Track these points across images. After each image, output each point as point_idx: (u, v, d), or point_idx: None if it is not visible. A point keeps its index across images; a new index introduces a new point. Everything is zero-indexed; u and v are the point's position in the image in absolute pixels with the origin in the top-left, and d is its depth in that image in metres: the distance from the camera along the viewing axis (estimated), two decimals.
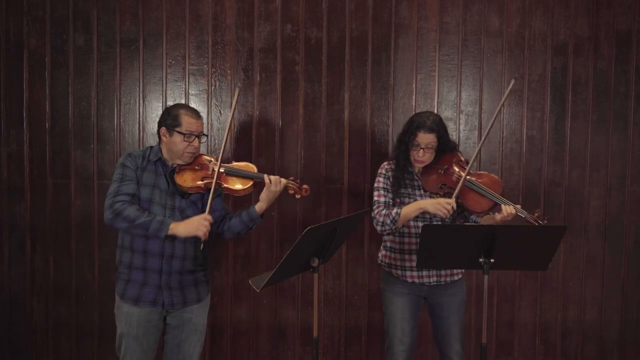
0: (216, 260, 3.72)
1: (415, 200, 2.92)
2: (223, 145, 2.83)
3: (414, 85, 3.68)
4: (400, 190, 2.94)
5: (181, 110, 2.77)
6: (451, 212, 2.77)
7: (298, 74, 3.66)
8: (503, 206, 2.79)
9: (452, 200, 2.77)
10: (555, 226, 2.78)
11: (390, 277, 3.03)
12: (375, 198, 2.96)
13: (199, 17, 3.64)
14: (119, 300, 2.80)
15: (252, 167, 2.87)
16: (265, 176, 2.78)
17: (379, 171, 3.01)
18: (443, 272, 2.97)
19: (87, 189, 3.68)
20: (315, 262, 2.51)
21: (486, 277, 2.61)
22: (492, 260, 2.58)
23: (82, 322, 3.75)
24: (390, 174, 2.97)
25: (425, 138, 2.86)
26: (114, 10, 3.63)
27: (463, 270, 3.05)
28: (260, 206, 2.82)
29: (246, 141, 3.67)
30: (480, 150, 2.84)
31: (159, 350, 2.87)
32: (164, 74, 3.65)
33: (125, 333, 2.77)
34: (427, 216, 2.94)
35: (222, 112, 3.67)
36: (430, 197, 2.93)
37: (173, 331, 2.85)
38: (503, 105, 2.93)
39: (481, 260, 2.58)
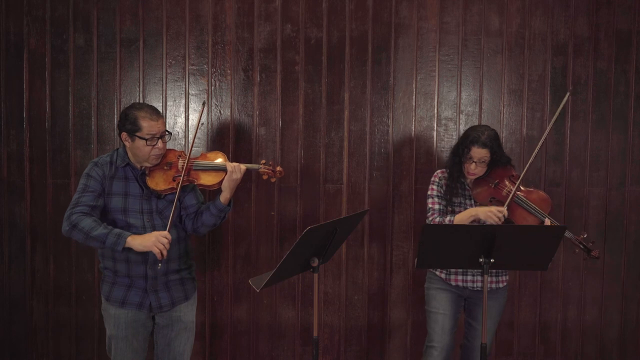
0: (216, 260, 3.73)
1: (467, 209, 2.98)
2: (191, 144, 2.83)
3: (414, 85, 3.69)
4: (452, 199, 3.02)
5: (139, 113, 2.66)
6: (502, 220, 2.82)
7: (298, 74, 3.66)
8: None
9: (504, 209, 2.83)
10: (554, 226, 2.79)
11: (435, 277, 3.10)
12: (430, 205, 3.03)
13: (199, 17, 3.64)
14: (105, 302, 2.77)
15: (220, 156, 2.81)
16: (228, 164, 2.74)
17: (433, 179, 3.08)
18: (489, 279, 3.01)
19: None
20: (315, 262, 2.51)
21: (486, 277, 2.62)
22: (492, 260, 2.58)
23: (82, 322, 3.76)
24: (443, 182, 3.05)
25: (479, 153, 2.91)
26: (114, 10, 3.63)
27: (508, 278, 3.12)
28: (224, 196, 2.76)
29: (246, 141, 3.67)
30: (529, 166, 2.93)
31: (149, 350, 2.87)
32: (164, 74, 3.66)
33: (114, 334, 2.75)
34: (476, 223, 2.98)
35: (222, 112, 3.67)
36: (482, 206, 2.99)
37: (162, 330, 2.83)
38: (556, 119, 3.03)
39: (481, 260, 2.59)
